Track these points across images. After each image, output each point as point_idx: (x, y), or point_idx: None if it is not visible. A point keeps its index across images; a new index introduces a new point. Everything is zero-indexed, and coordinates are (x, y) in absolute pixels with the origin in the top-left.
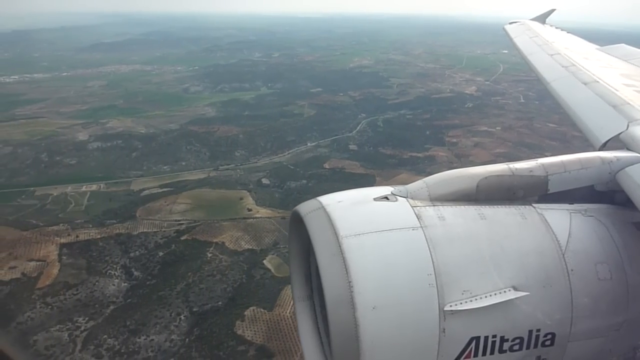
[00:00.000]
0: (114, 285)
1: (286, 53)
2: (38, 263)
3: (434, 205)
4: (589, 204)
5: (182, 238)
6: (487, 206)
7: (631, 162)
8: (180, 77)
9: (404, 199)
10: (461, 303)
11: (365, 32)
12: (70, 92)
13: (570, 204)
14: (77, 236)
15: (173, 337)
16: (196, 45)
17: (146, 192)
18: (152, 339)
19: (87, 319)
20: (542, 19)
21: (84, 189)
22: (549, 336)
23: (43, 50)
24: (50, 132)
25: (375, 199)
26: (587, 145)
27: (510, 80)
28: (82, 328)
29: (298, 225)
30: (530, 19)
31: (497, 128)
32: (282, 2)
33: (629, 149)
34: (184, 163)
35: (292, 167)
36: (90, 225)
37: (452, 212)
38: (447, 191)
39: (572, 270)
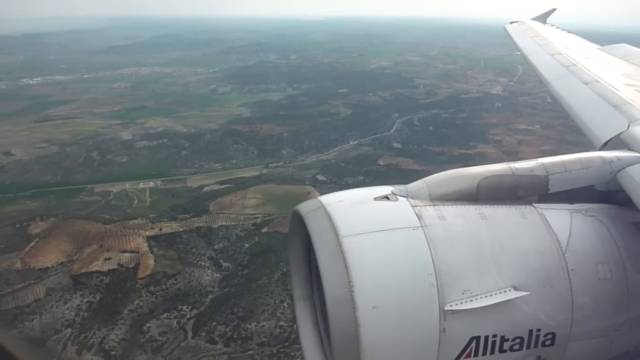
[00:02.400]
0: (207, 275)
1: (302, 55)
2: (132, 254)
3: (434, 205)
4: (590, 203)
5: (263, 230)
6: (487, 206)
7: (632, 162)
8: (203, 78)
9: (404, 198)
10: (461, 303)
11: (374, 35)
12: (97, 94)
13: (570, 203)
14: (160, 229)
15: (281, 323)
16: (209, 47)
17: (207, 188)
18: (263, 325)
19: (190, 307)
20: (542, 18)
21: (141, 185)
22: (549, 336)
23: (57, 53)
24: (91, 131)
25: (375, 199)
26: (589, 145)
27: (532, 81)
28: (188, 316)
29: (299, 224)
30: (531, 19)
31: (537, 126)
32: (284, 6)
33: (629, 149)
34: (234, 161)
35: (343, 165)
36: (166, 219)
37: (452, 211)
38: (448, 191)
39: (572, 270)
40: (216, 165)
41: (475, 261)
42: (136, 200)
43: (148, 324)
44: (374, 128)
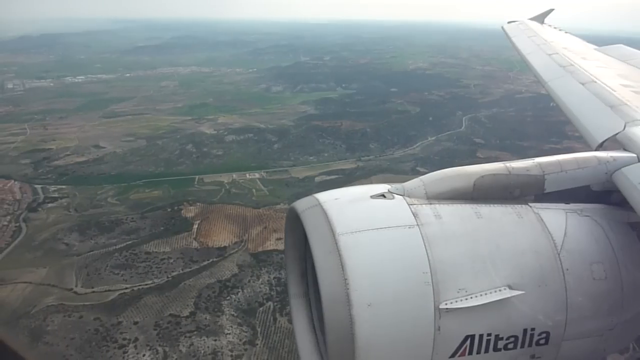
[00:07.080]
0: None
1: (335, 57)
2: None
3: (430, 204)
4: (585, 203)
5: None
6: (483, 205)
7: (627, 163)
8: (247, 78)
9: (400, 196)
10: (456, 301)
11: (392, 38)
12: (149, 92)
13: (566, 203)
14: None
15: None
16: (235, 48)
17: (317, 178)
18: None
19: None
20: (540, 18)
21: (248, 176)
22: (544, 335)
23: (86, 53)
24: (169, 127)
25: (372, 197)
26: (585, 145)
27: None
28: None
29: (295, 221)
30: (529, 19)
31: None
32: (286, 9)
33: (625, 150)
34: (325, 154)
35: (437, 158)
36: None
37: (448, 210)
38: (444, 189)
39: (567, 269)
40: (310, 158)
41: (471, 260)
42: (254, 189)
43: None
44: (445, 125)
